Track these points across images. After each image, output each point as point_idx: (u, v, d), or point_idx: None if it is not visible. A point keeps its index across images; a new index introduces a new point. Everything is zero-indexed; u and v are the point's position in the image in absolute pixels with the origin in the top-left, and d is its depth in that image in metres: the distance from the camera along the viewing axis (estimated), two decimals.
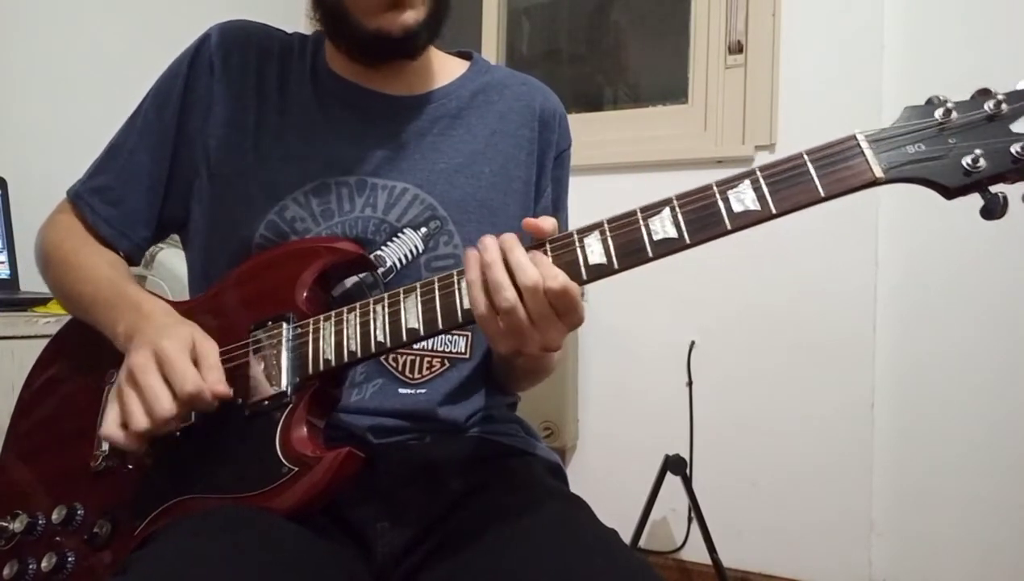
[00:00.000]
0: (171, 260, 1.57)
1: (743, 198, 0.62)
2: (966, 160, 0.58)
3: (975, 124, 0.59)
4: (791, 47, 1.93)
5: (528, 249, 0.65)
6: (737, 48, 2.01)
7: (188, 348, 0.68)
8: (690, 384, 2.02)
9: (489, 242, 0.64)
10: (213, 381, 0.67)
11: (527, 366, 0.85)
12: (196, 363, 0.68)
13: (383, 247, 0.81)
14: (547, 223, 0.66)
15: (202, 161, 0.84)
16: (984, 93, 0.60)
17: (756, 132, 1.95)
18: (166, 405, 0.65)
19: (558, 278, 0.62)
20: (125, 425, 0.66)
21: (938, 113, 0.60)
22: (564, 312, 0.63)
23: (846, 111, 1.84)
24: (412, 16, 0.77)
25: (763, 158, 1.93)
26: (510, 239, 0.64)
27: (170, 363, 0.66)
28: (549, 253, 0.65)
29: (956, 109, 0.60)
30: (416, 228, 0.82)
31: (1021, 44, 1.70)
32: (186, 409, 0.67)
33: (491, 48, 2.40)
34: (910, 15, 1.83)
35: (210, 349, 0.70)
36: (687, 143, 2.08)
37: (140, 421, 0.65)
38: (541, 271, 0.62)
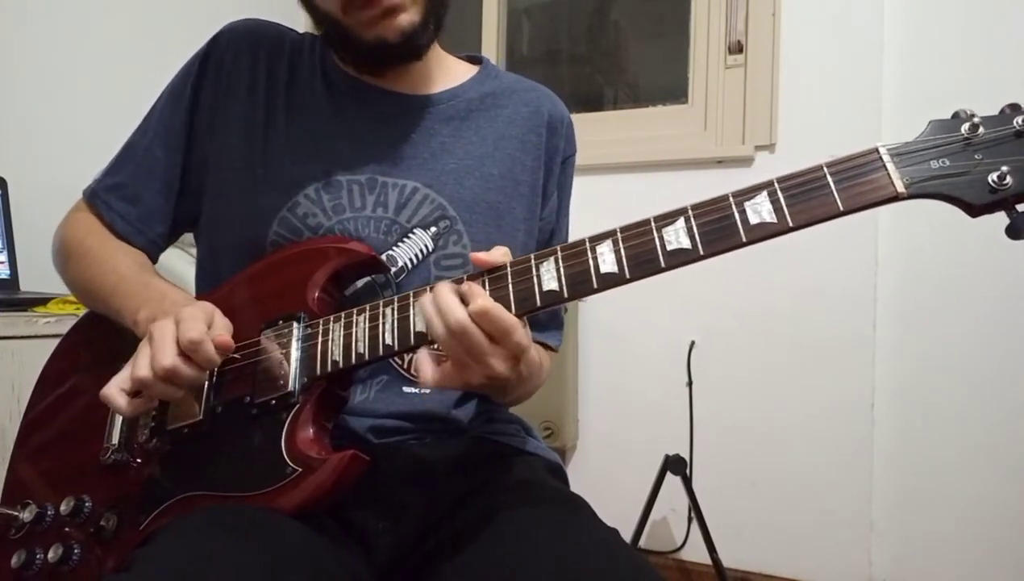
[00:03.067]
0: (172, 261, 1.57)
1: (760, 210, 0.60)
2: (992, 177, 0.56)
3: (1002, 140, 0.57)
4: (791, 47, 1.93)
5: (512, 265, 0.65)
6: (737, 48, 2.01)
7: (206, 314, 0.70)
8: (690, 384, 2.02)
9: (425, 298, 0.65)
10: (215, 333, 0.68)
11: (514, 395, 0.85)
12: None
13: (395, 247, 0.81)
14: (496, 255, 0.66)
15: (213, 158, 0.84)
16: (1014, 108, 0.58)
17: (756, 132, 1.95)
18: (168, 355, 0.66)
19: (477, 301, 0.61)
20: (124, 383, 0.67)
21: (964, 128, 0.58)
22: (498, 337, 0.62)
23: (846, 111, 1.84)
24: (407, 19, 0.78)
25: (763, 158, 1.94)
26: (442, 284, 0.64)
27: (182, 321, 0.67)
28: (561, 261, 0.64)
29: (983, 124, 0.58)
30: (426, 228, 0.82)
31: (1021, 45, 1.70)
32: (190, 365, 0.67)
33: (491, 48, 2.40)
34: (910, 15, 1.83)
35: (224, 321, 0.72)
36: (687, 143, 2.08)
37: (142, 370, 0.66)
38: (469, 298, 0.62)
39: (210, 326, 0.69)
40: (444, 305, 0.62)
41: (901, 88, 1.82)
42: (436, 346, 0.64)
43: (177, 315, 0.69)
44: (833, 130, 1.82)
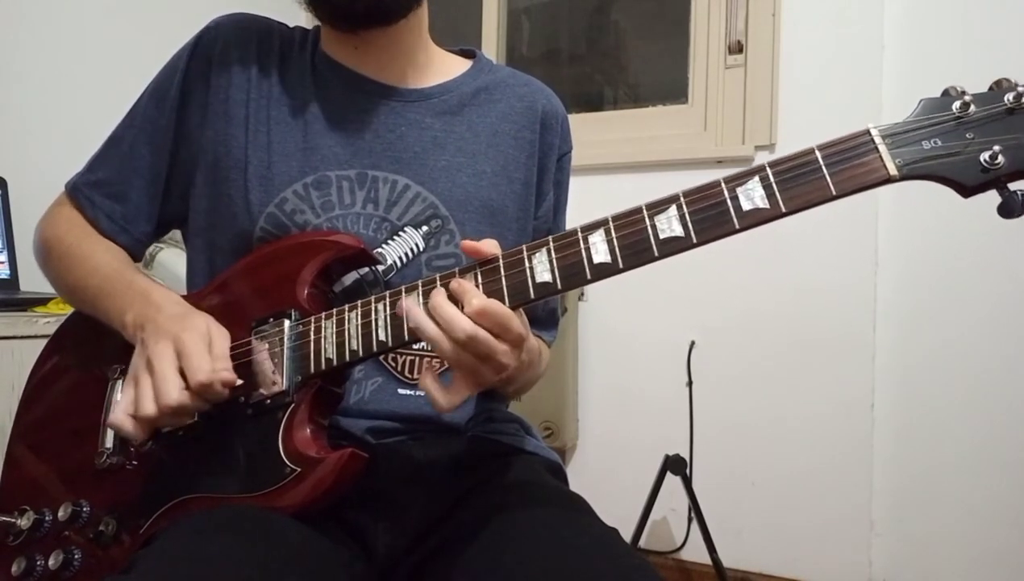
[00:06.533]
0: (171, 260, 1.57)
1: (752, 195, 0.59)
2: (984, 156, 0.55)
3: (994, 117, 0.56)
4: (791, 47, 1.93)
5: (504, 257, 0.65)
6: (737, 48, 2.01)
7: (205, 340, 0.69)
8: (690, 384, 2.02)
9: (409, 305, 0.64)
10: (219, 369, 0.68)
11: (517, 384, 0.85)
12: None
13: (384, 245, 0.80)
14: (487, 245, 0.65)
15: (201, 155, 0.83)
16: (1004, 84, 0.57)
17: (756, 132, 1.95)
18: (174, 393, 0.65)
19: (472, 302, 0.61)
20: (134, 414, 0.67)
21: (955, 106, 0.57)
22: (499, 332, 0.62)
23: (846, 111, 1.84)
24: None
25: (763, 158, 1.92)
26: (436, 294, 0.63)
27: (187, 354, 0.67)
28: (553, 251, 0.64)
29: (974, 102, 0.56)
30: (417, 226, 0.81)
31: (1021, 44, 1.70)
32: (197, 400, 0.67)
33: (491, 48, 2.40)
34: (910, 15, 1.83)
35: (221, 339, 0.71)
36: (687, 143, 2.08)
37: (148, 407, 0.66)
38: (463, 299, 0.61)
39: (210, 349, 0.68)
40: (446, 317, 0.61)
41: (901, 88, 1.82)
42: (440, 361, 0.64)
43: (177, 342, 0.68)
44: (833, 130, 1.79)
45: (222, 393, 0.68)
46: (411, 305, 0.64)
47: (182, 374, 0.67)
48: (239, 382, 0.70)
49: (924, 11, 1.82)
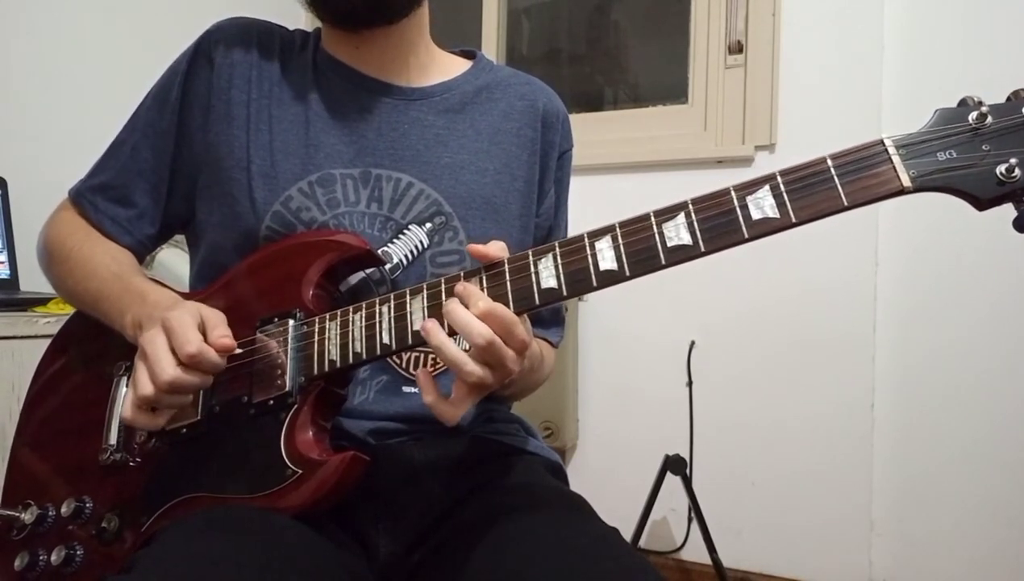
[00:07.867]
0: (171, 260, 1.57)
1: (762, 205, 0.58)
2: (1000, 169, 0.54)
3: (1011, 129, 0.55)
4: (791, 47, 1.93)
5: (509, 261, 0.65)
6: (737, 48, 2.01)
7: (195, 318, 0.68)
8: (690, 384, 2.02)
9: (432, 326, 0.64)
10: (216, 336, 0.67)
11: (516, 388, 0.85)
12: (203, 331, 0.68)
13: (389, 244, 0.81)
14: (494, 249, 0.65)
15: (203, 156, 0.83)
16: (1022, 95, 0.56)
17: (756, 132, 1.95)
18: (168, 370, 0.65)
19: (479, 304, 0.61)
20: (137, 403, 0.67)
21: (972, 117, 0.55)
22: (503, 336, 0.61)
23: (846, 111, 1.84)
24: None
25: (763, 158, 1.94)
26: (450, 302, 0.63)
27: (173, 330, 0.66)
28: (559, 257, 0.63)
29: (991, 113, 0.55)
30: (421, 223, 0.82)
31: (1020, 44, 1.70)
32: (193, 373, 0.66)
33: (491, 48, 2.40)
34: (910, 15, 1.83)
35: (216, 314, 0.70)
36: (687, 143, 2.08)
37: (145, 388, 0.66)
38: (468, 302, 0.61)
39: (202, 328, 0.68)
40: (462, 323, 0.61)
41: (901, 88, 1.82)
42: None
43: (165, 323, 0.67)
44: (833, 130, 1.82)
45: (217, 362, 0.67)
46: (434, 326, 0.63)
47: (175, 353, 0.66)
48: (237, 349, 0.69)
49: (924, 11, 1.82)
